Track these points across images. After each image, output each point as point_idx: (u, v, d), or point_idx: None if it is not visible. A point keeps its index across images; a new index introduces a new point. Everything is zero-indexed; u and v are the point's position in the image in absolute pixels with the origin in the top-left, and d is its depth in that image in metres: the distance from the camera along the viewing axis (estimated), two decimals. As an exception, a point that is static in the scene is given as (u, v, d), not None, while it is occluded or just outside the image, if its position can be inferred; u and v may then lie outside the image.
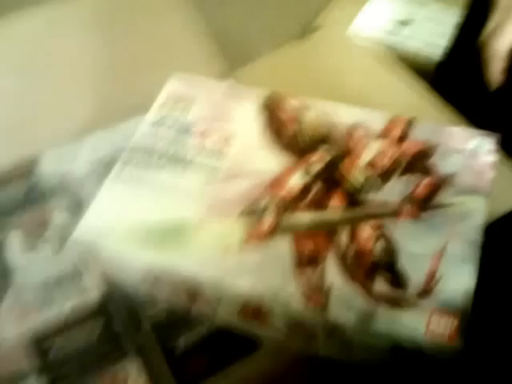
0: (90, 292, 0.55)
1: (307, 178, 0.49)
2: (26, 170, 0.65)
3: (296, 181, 0.49)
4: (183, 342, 0.51)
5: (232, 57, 0.77)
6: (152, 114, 0.57)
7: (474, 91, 0.68)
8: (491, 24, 0.57)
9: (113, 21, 0.76)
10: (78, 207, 0.61)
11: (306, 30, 1.10)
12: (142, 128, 0.56)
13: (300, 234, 0.46)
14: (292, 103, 0.55)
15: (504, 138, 0.51)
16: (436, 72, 0.87)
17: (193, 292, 0.48)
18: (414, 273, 0.43)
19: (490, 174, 0.48)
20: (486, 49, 0.57)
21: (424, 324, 0.40)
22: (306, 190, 0.48)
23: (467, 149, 0.50)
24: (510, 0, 0.56)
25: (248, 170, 0.51)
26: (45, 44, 0.74)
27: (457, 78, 0.79)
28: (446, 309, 0.41)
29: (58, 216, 0.60)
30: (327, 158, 0.50)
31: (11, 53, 0.73)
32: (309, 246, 0.45)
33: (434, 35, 1.11)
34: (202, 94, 0.57)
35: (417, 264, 0.43)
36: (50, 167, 0.65)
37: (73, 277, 0.55)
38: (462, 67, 0.79)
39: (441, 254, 0.43)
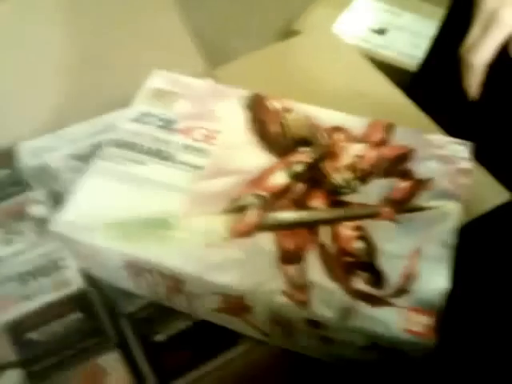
0: (69, 285, 0.55)
1: (289, 178, 0.50)
2: (2, 162, 0.64)
3: (278, 180, 0.50)
4: (163, 335, 0.51)
5: (211, 56, 0.78)
6: (132, 109, 0.57)
7: (448, 103, 0.70)
8: (469, 38, 0.59)
9: (93, 13, 0.75)
10: (55, 200, 0.61)
11: (285, 33, 1.12)
12: (121, 123, 0.56)
13: (282, 232, 0.47)
14: (274, 104, 0.56)
15: (477, 147, 0.53)
16: (411, 83, 0.89)
17: (174, 286, 0.48)
18: (392, 272, 0.44)
19: (464, 180, 0.50)
20: (463, 63, 0.59)
21: (400, 321, 0.42)
22: (287, 189, 0.50)
23: (443, 155, 0.52)
24: (487, 15, 0.58)
25: (231, 167, 0.52)
26: (22, 33, 0.73)
27: (432, 90, 0.81)
28: (422, 307, 0.42)
29: (34, 208, 0.60)
30: (309, 159, 0.52)
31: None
32: (291, 244, 0.46)
33: (408, 46, 1.14)
34: (184, 91, 0.58)
35: (394, 264, 0.45)
36: (27, 159, 0.64)
37: (50, 269, 0.55)
38: (437, 79, 0.81)
39: (417, 254, 0.45)
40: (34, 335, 0.51)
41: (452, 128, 0.61)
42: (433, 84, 0.81)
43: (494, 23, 0.56)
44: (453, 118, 0.66)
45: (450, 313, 0.43)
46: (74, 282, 0.55)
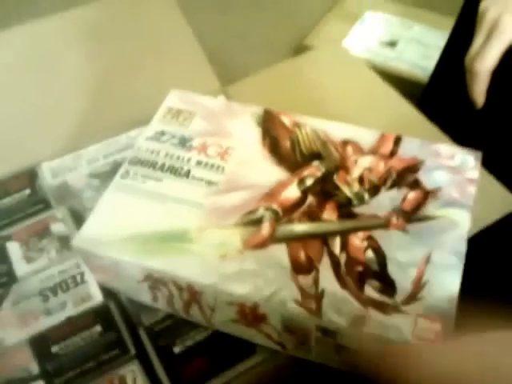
0: (89, 299, 0.56)
1: (301, 191, 0.52)
2: (24, 181, 0.67)
3: (291, 193, 0.52)
4: (181, 346, 0.52)
5: (224, 74, 0.80)
6: (150, 128, 0.59)
7: (458, 113, 0.71)
8: (473, 47, 0.61)
9: (111, 35, 0.78)
10: (75, 218, 0.63)
11: (297, 48, 1.14)
12: (139, 141, 0.58)
13: (295, 243, 0.48)
14: (285, 119, 0.58)
15: (485, 156, 0.54)
16: (422, 94, 0.90)
17: (191, 298, 0.50)
18: (402, 280, 0.45)
19: (472, 189, 0.51)
20: (468, 71, 0.60)
21: (410, 328, 0.43)
22: (300, 201, 0.51)
23: (452, 165, 0.53)
24: (489, 24, 0.59)
25: (245, 182, 0.53)
26: (43, 56, 0.76)
27: (443, 101, 0.82)
28: (432, 314, 0.43)
29: (55, 226, 0.62)
30: (320, 172, 0.53)
31: (8, 66, 0.75)
32: (303, 255, 0.47)
33: (419, 57, 1.15)
34: (199, 110, 0.60)
35: (404, 272, 0.46)
36: (48, 178, 0.67)
37: (71, 285, 0.57)
38: (447, 90, 0.82)
39: (426, 262, 0.46)
40: (56, 349, 0.53)
41: (461, 137, 0.62)
42: (443, 95, 0.82)
43: (495, 31, 0.58)
44: (462, 128, 0.66)
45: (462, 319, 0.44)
46: (93, 296, 0.56)
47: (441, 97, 0.86)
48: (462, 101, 0.64)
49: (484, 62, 0.59)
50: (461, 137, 0.64)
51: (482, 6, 0.62)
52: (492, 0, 0.62)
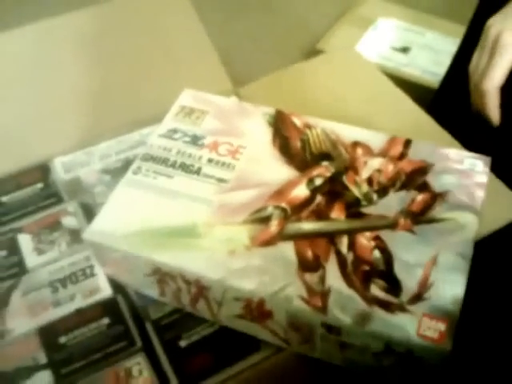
0: (97, 292, 0.57)
1: (310, 191, 0.52)
2: (36, 176, 0.68)
3: (300, 192, 0.52)
4: (187, 340, 0.53)
5: (237, 75, 0.81)
6: (162, 126, 0.60)
7: (468, 119, 0.72)
8: (476, 65, 0.61)
9: (125, 34, 0.79)
10: (86, 212, 0.64)
11: (309, 52, 1.14)
12: (152, 138, 0.59)
13: (302, 241, 0.49)
14: (297, 120, 0.59)
15: (494, 161, 0.55)
16: (433, 99, 0.91)
17: (198, 293, 0.50)
18: (407, 280, 0.46)
19: (480, 193, 0.51)
20: (477, 91, 0.61)
21: (415, 327, 0.43)
22: (308, 200, 0.52)
23: (460, 169, 0.53)
24: (492, 41, 0.60)
25: (255, 181, 0.54)
26: (58, 53, 0.77)
27: (453, 106, 0.82)
28: (437, 314, 0.44)
29: (66, 220, 0.63)
30: (329, 172, 0.54)
31: (23, 62, 0.76)
32: (310, 253, 0.48)
33: (431, 63, 1.15)
34: (212, 109, 0.61)
35: (410, 272, 0.46)
36: (61, 173, 0.68)
37: (80, 277, 0.58)
38: (457, 96, 0.83)
39: (433, 263, 0.46)
40: (64, 339, 0.54)
41: (471, 142, 0.62)
42: (453, 100, 0.83)
43: (498, 47, 0.58)
44: (472, 133, 0.67)
45: (467, 324, 0.44)
46: (102, 289, 0.57)
47: (451, 102, 0.86)
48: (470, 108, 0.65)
49: (491, 80, 0.59)
50: (470, 142, 0.64)
51: (489, 21, 0.63)
52: (498, 16, 0.62)
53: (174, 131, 0.59)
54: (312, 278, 0.47)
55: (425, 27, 1.24)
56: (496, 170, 0.58)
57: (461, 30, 0.88)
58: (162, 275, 0.51)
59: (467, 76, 0.65)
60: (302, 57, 1.18)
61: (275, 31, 1.28)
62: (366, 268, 0.47)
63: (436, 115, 0.73)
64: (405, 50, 1.19)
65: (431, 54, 1.18)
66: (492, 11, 0.65)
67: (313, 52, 1.14)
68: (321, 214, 0.51)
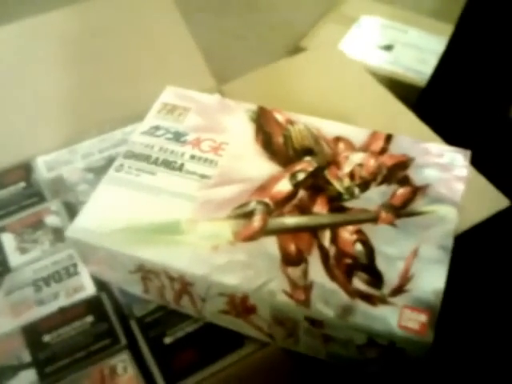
0: (81, 290, 0.57)
1: (292, 185, 0.52)
2: (19, 175, 0.67)
3: (282, 187, 0.52)
4: (172, 337, 0.53)
5: (219, 73, 0.81)
6: (144, 123, 0.60)
7: (455, 117, 0.72)
8: None
9: (107, 31, 0.79)
10: (69, 210, 0.63)
11: (293, 50, 1.14)
12: (134, 136, 0.59)
13: (285, 236, 0.49)
14: (279, 116, 0.59)
15: (476, 155, 0.55)
16: (420, 98, 0.91)
17: (182, 289, 0.50)
18: (390, 273, 0.46)
19: (460, 186, 0.52)
20: None
21: (396, 319, 0.43)
22: (291, 195, 0.52)
23: (441, 163, 0.54)
24: None
25: (237, 176, 0.54)
26: (38, 50, 0.76)
27: (440, 105, 0.83)
28: (418, 306, 0.44)
29: (49, 218, 0.63)
30: (312, 167, 0.54)
31: (5, 60, 0.75)
32: (293, 247, 0.48)
33: (414, 61, 1.16)
34: (195, 106, 0.61)
35: (392, 265, 0.46)
36: (43, 172, 0.67)
37: (64, 276, 0.58)
38: (445, 94, 0.83)
39: (414, 256, 0.47)
40: (48, 338, 0.53)
41: (453, 137, 0.63)
42: (441, 99, 0.83)
43: None
44: (457, 131, 0.67)
45: (449, 316, 0.45)
46: (85, 287, 0.57)
47: (438, 101, 0.87)
48: (459, 105, 0.65)
49: None
50: (456, 139, 0.65)
51: None
52: None
53: (157, 128, 0.59)
54: (295, 272, 0.47)
55: (408, 25, 1.24)
56: (476, 162, 0.58)
57: (444, 28, 0.88)
58: (145, 272, 0.51)
59: (455, 75, 0.65)
60: (286, 55, 1.18)
61: (259, 29, 1.28)
62: (349, 261, 0.47)
63: (422, 113, 0.74)
64: (388, 47, 1.20)
65: (415, 52, 1.18)
66: (480, 11, 0.65)
67: (297, 50, 1.14)
68: (303, 209, 0.51)
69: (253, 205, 0.51)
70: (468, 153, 0.55)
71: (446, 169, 0.53)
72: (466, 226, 0.57)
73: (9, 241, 0.61)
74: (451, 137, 0.68)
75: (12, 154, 0.69)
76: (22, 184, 0.66)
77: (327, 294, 0.45)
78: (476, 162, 0.58)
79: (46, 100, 0.74)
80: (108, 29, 0.79)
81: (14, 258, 0.59)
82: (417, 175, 0.53)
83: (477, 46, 0.80)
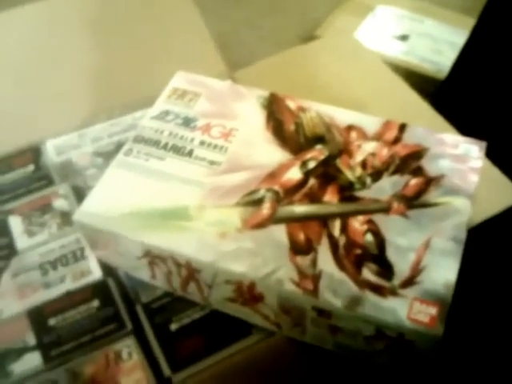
0: (88, 274, 0.56)
1: (303, 173, 0.52)
2: (28, 158, 0.67)
3: (293, 175, 0.51)
4: (177, 324, 0.52)
5: (232, 60, 0.80)
6: (155, 108, 0.59)
7: (475, 110, 0.70)
8: None
9: (119, 15, 0.78)
10: (77, 194, 0.63)
11: (307, 38, 1.13)
12: (144, 120, 0.58)
13: (294, 224, 0.48)
14: (291, 103, 0.58)
15: (492, 147, 0.54)
16: (438, 91, 0.89)
17: (189, 275, 0.50)
18: (400, 264, 0.45)
19: (474, 178, 0.51)
20: None
21: (406, 311, 0.43)
22: (301, 183, 0.51)
23: (455, 154, 0.53)
24: None
25: (247, 163, 0.53)
26: (50, 34, 0.76)
27: (460, 98, 0.81)
28: (428, 298, 0.43)
29: (57, 202, 0.63)
30: (323, 155, 0.53)
31: (16, 44, 0.75)
32: (302, 236, 0.47)
33: (429, 52, 1.14)
34: (206, 91, 0.60)
35: (403, 256, 0.46)
36: (52, 156, 0.67)
37: (70, 260, 0.57)
38: (466, 87, 0.82)
39: (425, 247, 0.46)
40: (53, 321, 0.53)
41: (469, 130, 0.61)
42: (460, 92, 0.82)
43: None
44: (473, 122, 0.66)
45: (461, 309, 0.44)
46: (92, 271, 0.56)
47: (458, 93, 0.85)
48: (478, 98, 0.63)
49: None
50: (471, 132, 0.64)
51: None
52: None
53: (167, 113, 0.58)
54: (303, 261, 0.46)
55: (424, 15, 1.23)
56: (492, 155, 0.57)
57: (461, 19, 0.87)
58: (152, 257, 0.50)
59: (476, 68, 0.64)
60: (299, 44, 1.17)
61: (273, 18, 1.27)
62: (358, 251, 0.46)
63: (440, 105, 0.72)
64: (404, 37, 1.18)
65: (430, 43, 1.17)
66: (504, 3, 0.64)
67: (311, 39, 1.12)
68: (313, 197, 0.50)
69: (262, 192, 0.50)
70: (483, 144, 0.53)
71: (461, 160, 0.52)
72: (480, 218, 0.56)
73: (16, 224, 0.60)
74: (467, 129, 0.66)
75: (21, 138, 0.69)
76: (31, 167, 0.66)
77: (336, 284, 0.44)
78: (491, 155, 0.57)
79: (56, 84, 0.73)
80: (121, 15, 0.78)
81: (22, 241, 0.59)
82: (431, 166, 0.51)
83: (500, 39, 0.78)
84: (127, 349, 0.52)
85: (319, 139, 0.54)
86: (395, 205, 0.49)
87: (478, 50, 0.69)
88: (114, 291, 0.55)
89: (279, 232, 0.48)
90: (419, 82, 0.83)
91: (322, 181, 0.51)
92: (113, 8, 0.79)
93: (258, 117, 0.57)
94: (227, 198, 0.51)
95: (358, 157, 0.53)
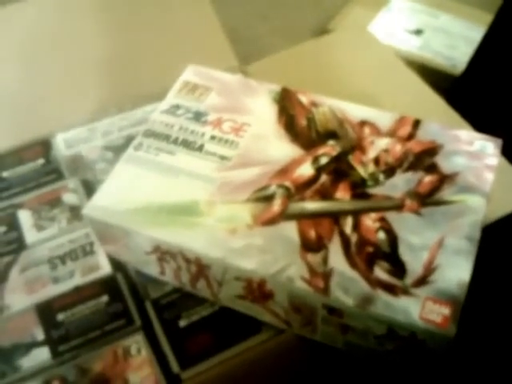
0: (97, 270, 0.56)
1: (315, 169, 0.51)
2: (38, 151, 0.67)
3: (304, 171, 0.51)
4: (187, 320, 0.52)
5: (245, 53, 0.79)
6: (165, 102, 0.59)
7: (491, 107, 0.69)
8: None
9: (130, 9, 0.78)
10: (87, 189, 0.63)
11: (320, 32, 1.12)
12: (154, 114, 0.58)
13: (305, 221, 0.47)
14: (303, 98, 0.57)
15: (505, 144, 0.53)
16: (454, 86, 0.88)
17: (198, 272, 0.49)
18: (413, 263, 0.44)
19: (490, 176, 0.50)
20: None
21: (418, 310, 0.42)
22: (313, 179, 0.50)
23: (470, 151, 0.52)
24: None
25: (258, 158, 0.52)
26: (61, 28, 0.76)
27: (476, 95, 0.80)
28: (441, 298, 0.42)
29: (67, 196, 0.62)
30: (335, 151, 0.52)
31: (27, 37, 0.75)
32: (313, 233, 0.47)
33: (444, 47, 1.13)
34: (217, 85, 0.59)
35: (416, 255, 0.45)
36: (62, 149, 0.66)
37: (80, 255, 0.57)
38: (482, 84, 0.80)
39: (439, 246, 0.45)
40: (62, 316, 0.53)
41: (485, 126, 0.60)
42: (476, 88, 0.81)
43: None
44: (488, 119, 0.65)
45: (474, 310, 0.43)
46: (102, 266, 0.56)
47: (474, 89, 0.84)
48: (495, 95, 0.62)
49: None
50: (486, 129, 0.63)
51: None
52: None
53: (177, 107, 0.58)
54: (314, 258, 0.45)
55: (439, 10, 1.21)
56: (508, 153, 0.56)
57: (476, 14, 0.85)
58: (162, 253, 0.50)
59: (493, 64, 0.62)
60: (312, 37, 1.16)
61: (286, 11, 1.26)
62: (370, 249, 0.45)
63: (455, 101, 0.71)
64: (418, 32, 1.17)
65: (445, 37, 1.15)
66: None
67: (323, 32, 1.11)
68: (325, 194, 0.49)
69: (273, 188, 0.50)
70: (499, 141, 0.52)
71: (476, 157, 0.51)
72: (495, 217, 0.55)
73: (26, 218, 0.60)
74: (483, 126, 0.65)
75: (31, 131, 0.69)
76: (41, 161, 0.66)
77: (347, 282, 0.44)
78: (507, 152, 0.56)
79: (66, 77, 0.73)
80: (132, 8, 0.78)
81: (31, 235, 0.59)
82: (445, 163, 0.50)
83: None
84: (136, 345, 0.51)
85: (331, 135, 0.54)
86: (408, 202, 0.48)
87: (495, 46, 0.68)
88: (123, 287, 0.55)
89: (290, 229, 0.47)
90: (433, 77, 0.81)
91: (334, 177, 0.50)
92: (124, 2, 0.79)
93: (270, 112, 0.56)
94: (238, 193, 0.50)
95: (371, 153, 0.52)
